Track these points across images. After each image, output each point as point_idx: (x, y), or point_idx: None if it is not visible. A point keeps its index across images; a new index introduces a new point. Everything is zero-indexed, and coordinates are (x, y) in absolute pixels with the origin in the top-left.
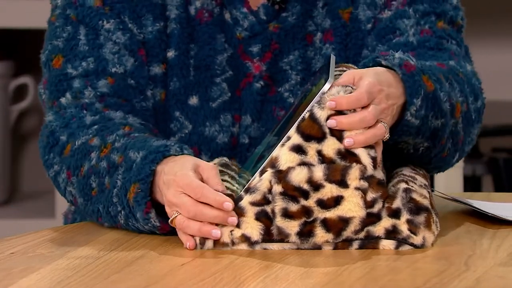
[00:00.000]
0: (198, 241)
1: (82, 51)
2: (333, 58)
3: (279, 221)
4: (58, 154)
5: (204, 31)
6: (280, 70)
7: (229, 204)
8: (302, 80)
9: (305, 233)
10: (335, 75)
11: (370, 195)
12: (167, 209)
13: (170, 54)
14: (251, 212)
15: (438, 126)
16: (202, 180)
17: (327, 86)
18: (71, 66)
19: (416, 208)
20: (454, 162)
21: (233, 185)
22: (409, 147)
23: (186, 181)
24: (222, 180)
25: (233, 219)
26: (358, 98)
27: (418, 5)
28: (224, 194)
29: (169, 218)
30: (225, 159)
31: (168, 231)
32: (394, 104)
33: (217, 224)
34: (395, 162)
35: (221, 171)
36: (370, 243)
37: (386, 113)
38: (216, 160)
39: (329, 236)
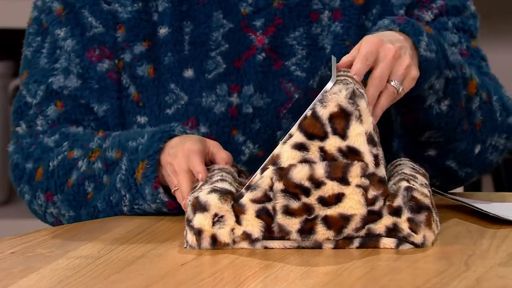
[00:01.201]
0: (195, 241)
1: (40, 68)
2: (334, 59)
3: (280, 218)
4: (26, 182)
5: (200, 10)
6: (286, 44)
7: (200, 176)
8: (308, 54)
9: (306, 230)
10: (338, 77)
11: (371, 193)
12: (168, 172)
13: (163, 31)
14: (251, 209)
15: (449, 77)
16: (209, 153)
17: (329, 85)
18: (29, 95)
19: (417, 207)
20: (477, 154)
21: (233, 184)
22: (435, 107)
23: (189, 149)
24: (223, 180)
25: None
26: (361, 61)
27: (451, 17)
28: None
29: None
30: (224, 166)
31: (175, 208)
32: (402, 46)
33: (217, 221)
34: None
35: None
36: (370, 241)
37: (398, 58)
38: (216, 166)
39: (330, 234)
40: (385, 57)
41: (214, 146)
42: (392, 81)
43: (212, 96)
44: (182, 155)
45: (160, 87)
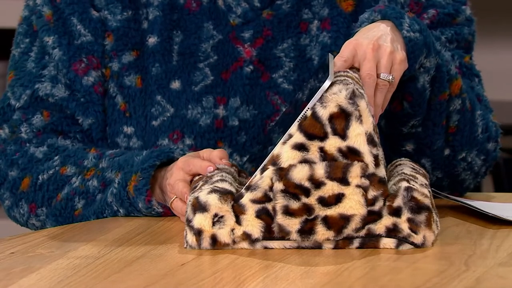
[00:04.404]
0: (195, 241)
1: (27, 72)
2: (331, 57)
3: (280, 218)
4: (8, 189)
5: (191, 20)
6: (274, 56)
7: (210, 168)
8: (295, 66)
9: (306, 230)
10: (338, 77)
11: (371, 193)
12: (170, 194)
13: (152, 40)
14: (251, 209)
15: (431, 65)
16: (203, 158)
17: (327, 83)
18: (14, 98)
19: (417, 207)
20: (445, 157)
21: (233, 184)
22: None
23: (184, 159)
24: (223, 181)
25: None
26: (337, 58)
27: (445, 29)
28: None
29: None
30: (224, 166)
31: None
32: (379, 36)
33: (217, 221)
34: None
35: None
36: (370, 241)
37: (378, 49)
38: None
39: (330, 234)
40: (365, 53)
41: (205, 152)
42: (380, 74)
43: (198, 108)
44: (176, 169)
45: (146, 98)
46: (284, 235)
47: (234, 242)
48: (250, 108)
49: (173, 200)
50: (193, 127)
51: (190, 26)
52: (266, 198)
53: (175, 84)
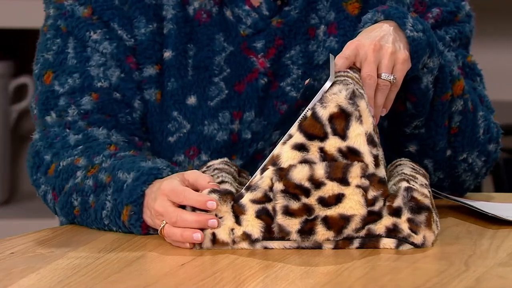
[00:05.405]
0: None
1: (70, 65)
2: (332, 58)
3: (280, 218)
4: (43, 173)
5: (203, 32)
6: (283, 65)
7: (212, 203)
8: (304, 73)
9: (306, 231)
10: (337, 77)
11: (371, 193)
12: (156, 221)
13: (167, 54)
14: (251, 210)
15: (435, 65)
16: (189, 185)
17: (328, 84)
18: (58, 83)
19: (417, 207)
20: (447, 158)
21: (233, 184)
22: (428, 90)
23: (170, 187)
24: (223, 181)
25: (213, 222)
26: (339, 58)
27: (449, 27)
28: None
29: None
30: (226, 159)
31: None
32: (381, 36)
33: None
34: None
35: (220, 169)
36: (370, 241)
37: (379, 50)
38: (218, 160)
39: (330, 234)
40: (366, 54)
41: (193, 176)
42: (381, 75)
43: (215, 124)
44: (160, 195)
45: (163, 114)
46: (284, 235)
47: (234, 242)
48: (261, 120)
49: (164, 226)
50: (210, 143)
51: (202, 38)
52: (266, 198)
53: (191, 100)
